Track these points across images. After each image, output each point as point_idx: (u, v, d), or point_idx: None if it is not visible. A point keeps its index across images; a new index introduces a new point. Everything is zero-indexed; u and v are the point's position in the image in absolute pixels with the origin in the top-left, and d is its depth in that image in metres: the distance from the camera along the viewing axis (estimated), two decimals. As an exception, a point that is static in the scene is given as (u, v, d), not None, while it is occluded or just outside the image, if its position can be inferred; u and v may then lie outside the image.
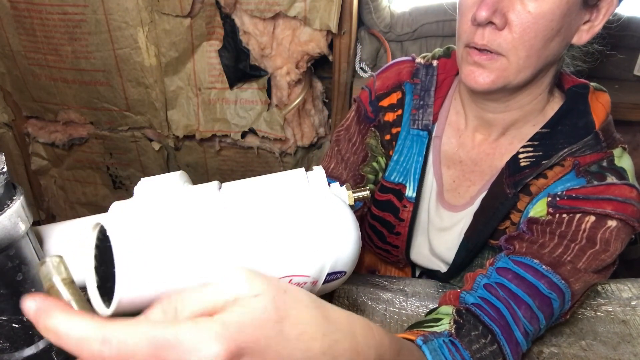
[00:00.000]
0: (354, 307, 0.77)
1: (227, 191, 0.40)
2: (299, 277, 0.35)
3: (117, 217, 0.33)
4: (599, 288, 0.81)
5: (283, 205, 0.36)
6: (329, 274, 0.36)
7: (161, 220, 0.34)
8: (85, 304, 0.27)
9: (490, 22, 0.61)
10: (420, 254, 0.86)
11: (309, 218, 0.36)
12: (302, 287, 0.36)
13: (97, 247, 0.34)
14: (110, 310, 0.32)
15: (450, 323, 0.59)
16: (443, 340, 0.55)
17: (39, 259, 0.36)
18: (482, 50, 0.63)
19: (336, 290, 0.79)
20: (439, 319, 0.61)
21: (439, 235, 0.82)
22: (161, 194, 0.40)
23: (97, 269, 0.34)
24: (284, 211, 0.36)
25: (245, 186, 0.41)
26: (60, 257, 0.27)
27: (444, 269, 0.84)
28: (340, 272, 0.37)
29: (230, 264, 0.34)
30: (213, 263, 0.34)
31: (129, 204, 0.39)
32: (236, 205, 0.36)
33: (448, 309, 0.62)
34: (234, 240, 0.34)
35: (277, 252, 0.34)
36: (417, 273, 0.93)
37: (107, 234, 0.32)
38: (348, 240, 0.36)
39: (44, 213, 1.79)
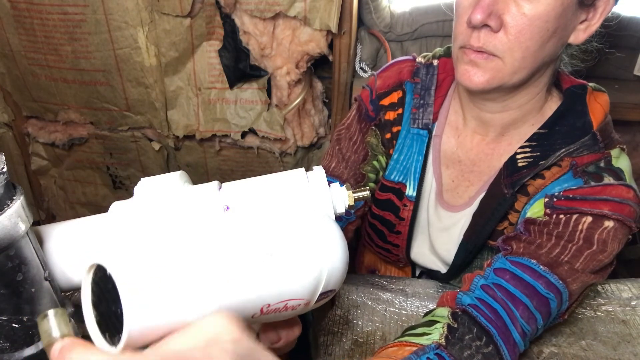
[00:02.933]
0: (354, 307, 0.77)
1: (227, 191, 0.40)
2: (293, 300, 0.35)
3: (114, 254, 0.30)
4: (599, 288, 0.81)
5: (283, 227, 0.36)
6: (321, 294, 0.36)
7: (159, 252, 0.32)
8: None
9: (486, 25, 0.61)
10: (421, 253, 0.86)
11: (307, 242, 0.35)
12: (295, 309, 0.36)
13: (95, 282, 0.31)
14: (119, 348, 0.29)
15: (443, 328, 0.59)
16: (427, 358, 0.55)
17: (39, 259, 0.36)
18: (478, 50, 0.63)
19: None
20: (433, 322, 0.61)
21: (439, 235, 0.82)
22: (161, 194, 0.40)
23: (96, 304, 0.31)
24: (285, 234, 0.35)
25: (246, 187, 0.41)
26: (63, 310, 0.26)
27: (443, 269, 0.84)
28: (331, 291, 0.37)
29: (228, 287, 0.32)
30: (211, 290, 0.32)
31: (129, 204, 0.40)
32: (237, 226, 0.35)
33: (444, 312, 0.62)
34: (235, 265, 0.33)
35: (278, 277, 0.34)
36: (417, 273, 0.93)
37: (108, 272, 0.29)
38: (340, 260, 0.36)
39: (44, 213, 1.79)
